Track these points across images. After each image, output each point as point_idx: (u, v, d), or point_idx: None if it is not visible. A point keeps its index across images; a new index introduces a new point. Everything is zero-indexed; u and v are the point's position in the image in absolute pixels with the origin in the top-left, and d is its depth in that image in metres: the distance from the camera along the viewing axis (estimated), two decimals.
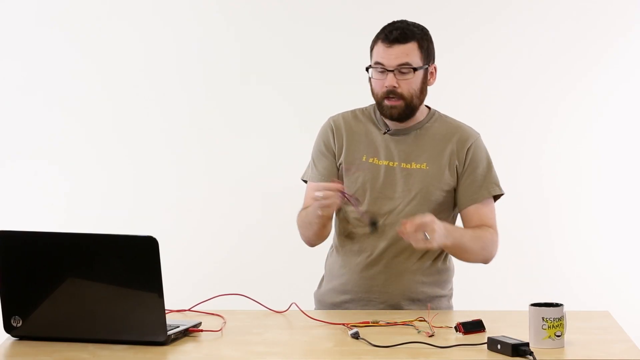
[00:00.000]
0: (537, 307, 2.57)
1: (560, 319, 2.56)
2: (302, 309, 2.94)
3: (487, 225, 3.16)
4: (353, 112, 3.24)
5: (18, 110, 4.66)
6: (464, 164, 3.16)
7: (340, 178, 3.18)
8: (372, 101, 3.25)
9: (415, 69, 3.05)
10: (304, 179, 3.27)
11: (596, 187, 4.65)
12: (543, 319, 2.55)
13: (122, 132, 4.67)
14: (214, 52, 4.67)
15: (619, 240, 4.65)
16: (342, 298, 3.18)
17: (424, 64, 3.09)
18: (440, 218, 3.12)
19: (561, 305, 2.57)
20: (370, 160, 3.15)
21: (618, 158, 4.64)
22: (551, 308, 2.56)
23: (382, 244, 3.13)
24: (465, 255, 3.13)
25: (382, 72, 3.06)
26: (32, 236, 2.66)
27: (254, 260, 4.61)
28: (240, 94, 4.67)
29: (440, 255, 3.19)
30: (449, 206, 3.19)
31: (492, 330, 2.71)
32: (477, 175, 3.17)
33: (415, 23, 3.15)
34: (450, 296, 3.25)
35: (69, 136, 4.67)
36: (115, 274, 2.60)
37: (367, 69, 3.10)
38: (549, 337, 2.55)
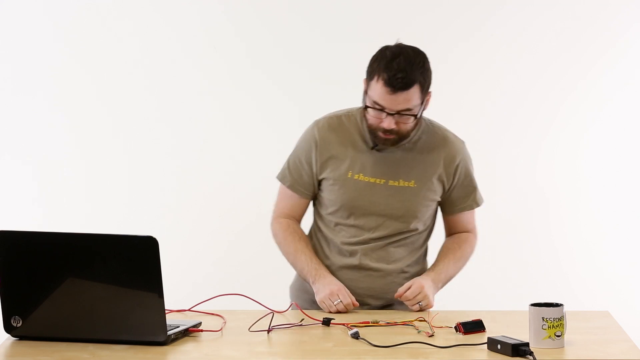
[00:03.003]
0: (537, 307, 2.57)
1: (560, 319, 2.56)
2: (302, 309, 2.94)
3: (469, 230, 3.23)
4: (339, 118, 3.15)
5: (18, 109, 4.67)
6: (453, 180, 3.15)
7: (323, 190, 3.16)
8: None
9: (415, 116, 2.99)
10: (281, 181, 3.22)
11: (596, 187, 4.65)
12: (543, 319, 2.55)
13: (121, 132, 4.68)
14: (213, 52, 4.67)
15: (619, 240, 4.65)
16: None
17: (422, 102, 3.01)
18: (420, 226, 3.14)
19: (561, 305, 2.57)
20: (356, 176, 3.11)
21: (618, 158, 4.65)
22: (551, 308, 2.56)
23: (367, 253, 3.12)
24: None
25: (379, 111, 2.98)
26: (32, 236, 2.66)
27: (254, 260, 4.61)
28: (239, 94, 4.67)
29: (417, 253, 3.20)
30: (432, 214, 3.19)
31: (492, 330, 2.71)
32: (465, 188, 3.17)
33: (415, 56, 3.00)
34: None
35: (68, 136, 4.68)
36: (115, 274, 2.60)
37: (365, 108, 3.00)
38: (549, 337, 2.55)
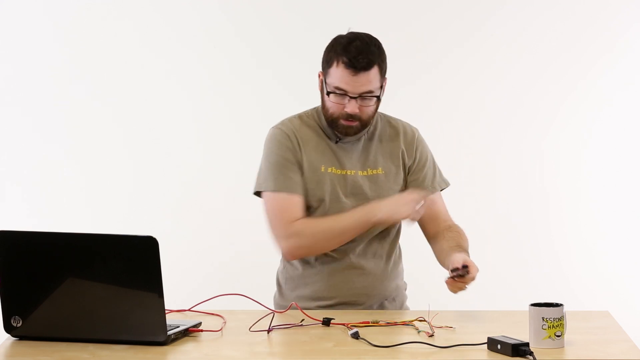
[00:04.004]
0: (537, 307, 2.57)
1: (560, 319, 2.56)
2: (302, 309, 2.94)
3: (447, 219, 3.18)
4: (299, 117, 3.16)
5: (18, 109, 4.67)
6: (414, 160, 3.16)
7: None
8: None
9: (377, 97, 3.02)
10: (276, 190, 3.08)
11: (596, 187, 4.65)
12: (543, 319, 2.55)
13: (121, 132, 4.68)
14: (213, 52, 4.67)
15: (619, 240, 4.65)
16: (317, 304, 3.15)
17: (381, 85, 3.04)
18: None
19: (561, 305, 2.57)
20: (329, 169, 3.11)
21: (618, 158, 4.64)
22: (551, 308, 2.56)
23: (353, 252, 3.12)
24: None
25: (342, 95, 3.01)
26: (32, 236, 2.66)
27: (254, 260, 4.60)
28: (240, 94, 4.67)
29: (397, 249, 3.21)
30: None
31: (492, 330, 2.70)
32: (426, 169, 3.18)
33: (370, 38, 3.03)
34: (406, 288, 3.29)
35: (68, 136, 4.68)
36: (115, 274, 2.60)
37: (327, 94, 3.01)
38: (549, 337, 2.55)
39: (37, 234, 2.66)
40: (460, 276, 2.87)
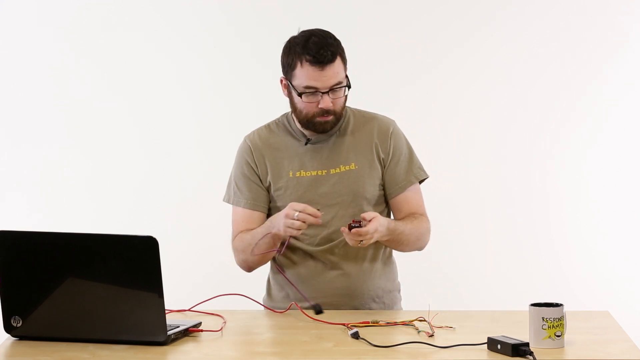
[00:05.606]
0: (537, 307, 2.57)
1: (560, 319, 2.56)
2: (302, 309, 2.94)
3: (419, 213, 3.16)
4: (267, 127, 3.21)
5: (18, 109, 4.67)
6: (389, 154, 3.15)
7: (272, 199, 3.15)
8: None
9: (347, 87, 3.04)
10: (228, 202, 3.20)
11: (596, 187, 4.65)
12: (543, 319, 2.55)
13: (122, 132, 4.68)
14: (213, 52, 4.67)
15: (619, 240, 4.65)
16: (299, 305, 3.14)
17: (346, 74, 3.06)
18: (371, 210, 3.12)
19: (561, 305, 2.57)
20: (297, 174, 3.12)
21: (619, 158, 4.64)
22: (551, 308, 2.56)
23: (333, 254, 3.12)
24: (400, 247, 3.13)
25: (314, 93, 3.03)
26: (32, 236, 2.66)
27: None
28: (242, 94, 4.68)
29: (384, 250, 3.19)
30: (382, 198, 3.18)
31: (492, 330, 2.71)
32: (401, 163, 3.16)
33: (324, 32, 3.07)
34: (399, 290, 3.27)
35: (68, 136, 4.68)
36: (115, 274, 2.60)
37: (299, 95, 3.03)
38: (549, 337, 2.55)
39: (37, 234, 2.66)
40: (351, 227, 2.87)
